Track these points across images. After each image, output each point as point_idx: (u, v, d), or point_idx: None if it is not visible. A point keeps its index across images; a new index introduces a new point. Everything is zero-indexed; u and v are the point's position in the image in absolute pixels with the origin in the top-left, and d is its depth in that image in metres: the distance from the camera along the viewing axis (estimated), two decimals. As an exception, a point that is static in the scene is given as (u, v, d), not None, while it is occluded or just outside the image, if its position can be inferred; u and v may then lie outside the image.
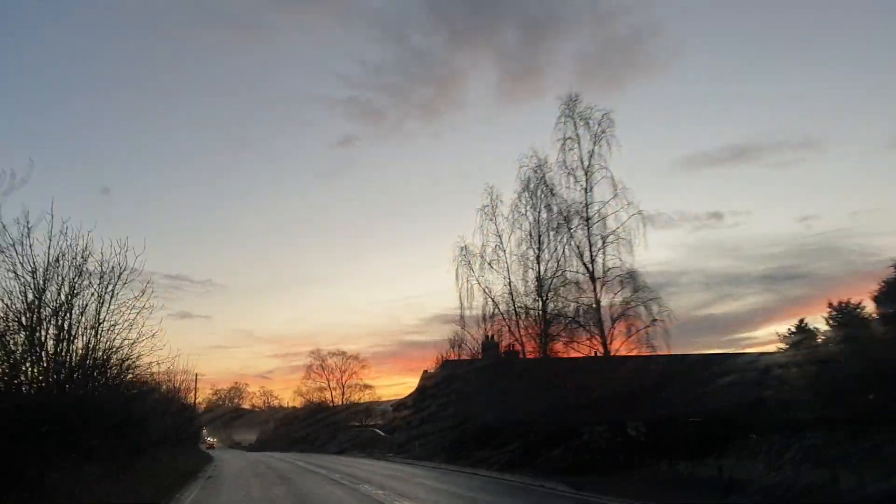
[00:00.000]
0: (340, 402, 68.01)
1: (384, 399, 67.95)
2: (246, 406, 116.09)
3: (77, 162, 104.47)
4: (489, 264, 32.08)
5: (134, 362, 17.71)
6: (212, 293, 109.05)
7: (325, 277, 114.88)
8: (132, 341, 16.81)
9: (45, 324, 14.42)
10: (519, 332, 31.09)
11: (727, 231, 62.20)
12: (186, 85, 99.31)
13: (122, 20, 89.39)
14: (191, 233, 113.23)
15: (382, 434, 48.52)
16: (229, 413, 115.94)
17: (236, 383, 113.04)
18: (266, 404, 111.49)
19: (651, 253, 38.43)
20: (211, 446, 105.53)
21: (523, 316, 30.99)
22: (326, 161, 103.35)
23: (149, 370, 20.34)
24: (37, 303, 14.16)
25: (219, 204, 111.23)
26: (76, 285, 15.09)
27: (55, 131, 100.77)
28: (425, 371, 44.77)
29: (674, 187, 69.30)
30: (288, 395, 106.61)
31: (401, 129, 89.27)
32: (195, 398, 48.28)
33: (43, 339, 14.25)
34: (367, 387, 69.00)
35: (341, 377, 69.33)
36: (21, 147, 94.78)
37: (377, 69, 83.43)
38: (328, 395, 69.35)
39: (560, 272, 29.40)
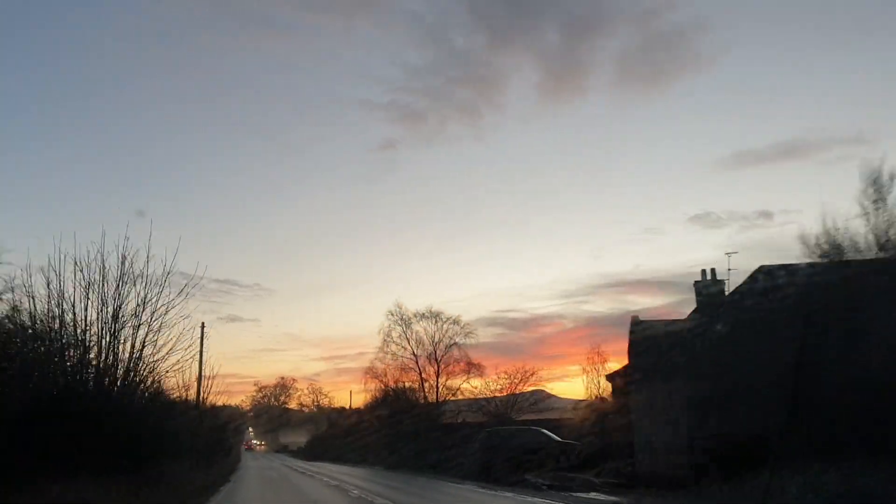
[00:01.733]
0: (436, 391, 45.90)
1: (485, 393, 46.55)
2: (293, 406, 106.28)
3: (125, 171, 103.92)
4: None
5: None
6: (260, 297, 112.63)
7: (368, 280, 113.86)
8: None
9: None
10: None
11: (777, 230, 54.21)
12: (227, 91, 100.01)
13: (162, 27, 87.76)
14: (238, 238, 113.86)
15: (557, 439, 27.06)
16: (275, 410, 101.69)
17: (282, 378, 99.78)
18: (315, 403, 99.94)
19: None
20: (250, 448, 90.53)
21: None
22: (368, 164, 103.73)
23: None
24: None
25: (263, 209, 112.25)
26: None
27: (100, 140, 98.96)
28: (635, 317, 24.67)
29: (722, 186, 68.65)
30: (339, 398, 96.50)
31: (442, 132, 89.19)
32: (199, 396, 32.24)
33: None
34: (472, 366, 46.46)
35: (434, 351, 47.11)
36: (76, 150, 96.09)
37: (417, 72, 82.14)
38: (409, 379, 47.39)
39: None
